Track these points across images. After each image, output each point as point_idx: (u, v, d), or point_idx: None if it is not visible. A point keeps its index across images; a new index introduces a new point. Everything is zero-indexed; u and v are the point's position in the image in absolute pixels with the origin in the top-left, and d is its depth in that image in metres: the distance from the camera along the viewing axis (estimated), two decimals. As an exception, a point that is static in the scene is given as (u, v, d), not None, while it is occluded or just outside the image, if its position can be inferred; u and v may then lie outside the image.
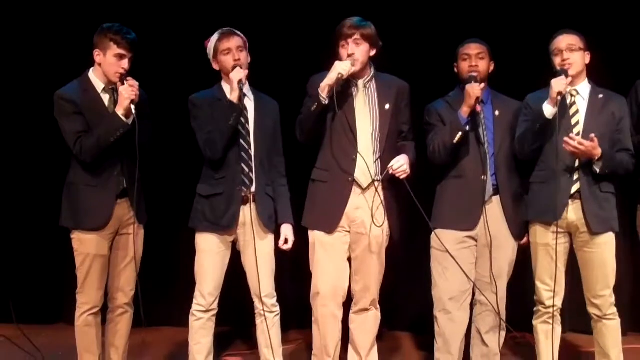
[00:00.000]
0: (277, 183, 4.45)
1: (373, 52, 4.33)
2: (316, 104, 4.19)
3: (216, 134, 4.23)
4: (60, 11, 5.66)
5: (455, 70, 4.51)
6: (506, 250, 4.45)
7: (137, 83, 4.16)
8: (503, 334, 4.53)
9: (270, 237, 4.41)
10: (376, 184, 4.31)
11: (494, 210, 4.40)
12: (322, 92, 4.17)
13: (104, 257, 4.26)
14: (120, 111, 4.11)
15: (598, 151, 4.10)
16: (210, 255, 4.33)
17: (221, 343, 4.57)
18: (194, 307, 4.36)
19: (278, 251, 4.43)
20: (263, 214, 4.35)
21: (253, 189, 4.32)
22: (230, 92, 4.26)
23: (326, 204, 4.34)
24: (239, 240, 4.38)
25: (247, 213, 4.30)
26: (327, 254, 4.35)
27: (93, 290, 4.25)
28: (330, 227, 4.32)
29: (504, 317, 4.49)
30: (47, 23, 5.71)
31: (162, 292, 5.54)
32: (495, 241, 4.38)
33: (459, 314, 4.40)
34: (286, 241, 4.42)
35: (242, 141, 4.31)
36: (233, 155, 4.29)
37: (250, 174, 4.31)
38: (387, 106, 4.34)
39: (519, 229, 4.46)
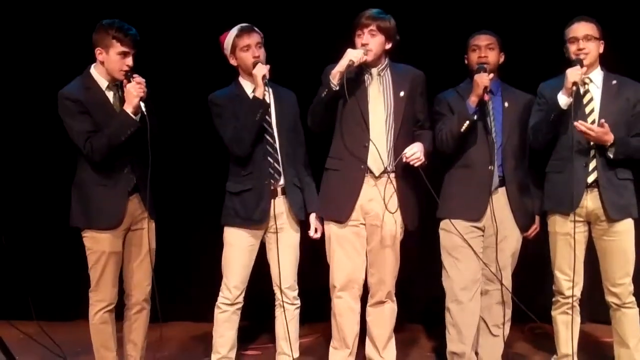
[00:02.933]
0: (302, 174, 4.47)
1: (389, 46, 4.33)
2: (326, 90, 4.20)
3: (243, 130, 4.24)
4: (62, 8, 5.64)
5: (466, 61, 4.50)
6: (511, 241, 4.45)
7: (144, 80, 4.13)
8: (508, 324, 4.54)
9: (299, 229, 4.44)
10: (389, 172, 4.30)
11: (500, 201, 4.40)
12: (332, 78, 4.17)
13: (118, 254, 4.27)
14: (129, 109, 4.09)
15: (610, 137, 4.09)
16: (239, 249, 4.35)
17: (242, 336, 4.56)
18: (220, 299, 4.37)
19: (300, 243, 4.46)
20: (294, 206, 4.38)
21: (282, 181, 4.34)
22: (254, 87, 4.27)
23: (339, 193, 4.35)
24: (267, 233, 4.39)
25: (279, 206, 4.34)
26: (342, 247, 4.35)
27: (108, 288, 4.26)
28: (343, 216, 4.33)
29: (510, 306, 4.49)
30: (48, 20, 5.69)
31: (178, 287, 5.56)
32: (501, 231, 4.38)
33: (471, 304, 4.39)
34: (316, 230, 4.44)
35: (266, 135, 4.32)
36: (259, 150, 4.31)
37: (278, 167, 4.33)
38: (402, 93, 4.34)
39: (525, 220, 4.46)
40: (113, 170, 4.19)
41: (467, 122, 4.26)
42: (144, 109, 4.10)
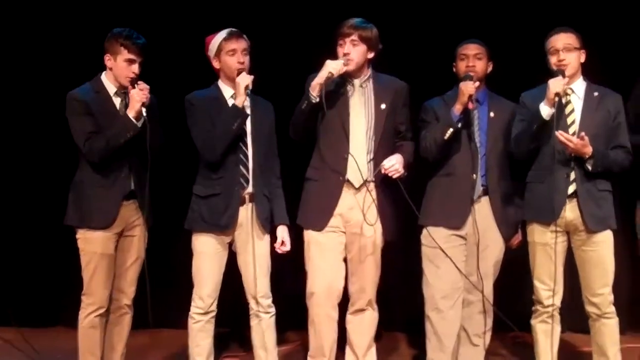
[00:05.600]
0: (272, 184, 4.45)
1: (371, 55, 4.33)
2: (306, 102, 4.20)
3: (217, 137, 4.23)
4: (71, 15, 5.66)
5: (454, 70, 4.52)
6: (493, 250, 4.46)
7: (147, 86, 4.23)
8: (489, 334, 4.55)
9: (267, 238, 4.41)
10: (368, 183, 4.31)
11: (483, 209, 4.41)
12: (312, 90, 4.17)
13: (109, 256, 4.30)
14: (131, 113, 4.18)
15: (588, 149, 4.10)
16: (207, 257, 4.32)
17: (218, 344, 4.55)
18: (193, 309, 4.35)
19: (274, 251, 4.42)
20: (261, 215, 4.34)
21: (251, 189, 4.32)
22: (234, 95, 4.27)
23: (317, 202, 4.35)
24: (235, 241, 4.37)
25: (246, 213, 4.31)
26: (322, 254, 4.35)
27: (99, 290, 4.28)
28: (320, 224, 4.33)
29: (490, 316, 4.49)
30: (57, 26, 5.70)
31: (162, 294, 5.49)
32: (483, 240, 4.39)
33: (452, 313, 4.40)
34: (283, 243, 4.41)
35: (240, 143, 4.31)
36: (231, 157, 4.29)
37: (248, 175, 4.31)
38: (383, 106, 4.34)
39: (508, 230, 4.48)
40: (111, 172, 4.26)
41: (451, 129, 4.27)
42: (145, 114, 4.18)
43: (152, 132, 4.22)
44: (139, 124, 4.19)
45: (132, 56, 4.22)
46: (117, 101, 4.32)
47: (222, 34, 4.30)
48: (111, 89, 4.32)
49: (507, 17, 5.48)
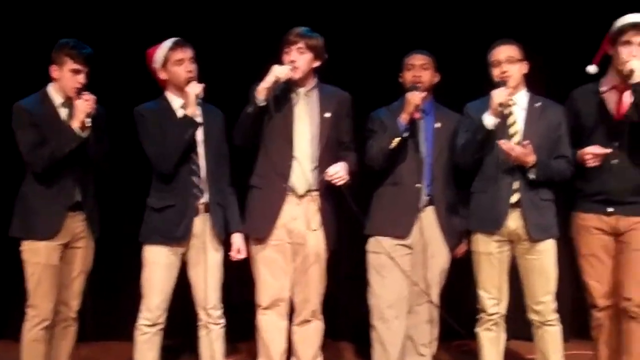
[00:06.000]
0: (225, 192, 4.42)
1: (316, 64, 4.34)
2: (252, 106, 4.19)
3: (169, 148, 4.20)
4: (20, 26, 5.57)
5: (401, 80, 4.56)
6: (439, 259, 4.50)
7: (93, 97, 4.19)
8: (435, 343, 4.59)
9: (221, 248, 4.39)
10: (312, 192, 4.32)
11: (429, 219, 4.45)
12: (258, 94, 4.16)
13: (54, 267, 4.25)
14: (75, 124, 4.14)
15: (531, 158, 4.16)
16: (159, 268, 4.27)
17: (165, 357, 4.50)
18: (140, 321, 4.29)
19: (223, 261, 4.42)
20: (216, 224, 4.32)
21: (205, 199, 4.30)
22: (184, 105, 4.24)
23: (260, 211, 4.34)
24: (189, 252, 4.33)
25: (201, 224, 4.28)
26: (267, 265, 4.34)
27: (44, 302, 4.23)
28: (263, 233, 4.32)
29: (437, 325, 4.53)
30: (6, 37, 5.60)
31: (109, 306, 5.50)
32: (429, 250, 4.42)
33: (397, 322, 4.42)
34: (239, 251, 4.40)
35: (192, 153, 4.28)
36: (184, 168, 4.26)
37: (201, 185, 4.29)
38: (327, 114, 4.35)
39: (453, 239, 4.52)
40: (56, 183, 4.24)
41: (397, 139, 4.30)
42: (88, 124, 4.15)
43: (97, 142, 4.20)
44: (84, 135, 4.16)
45: (77, 66, 4.21)
46: (63, 112, 4.29)
47: (167, 44, 4.27)
48: (57, 99, 4.29)
49: (452, 28, 5.54)
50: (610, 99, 4.25)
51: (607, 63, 4.31)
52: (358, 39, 5.52)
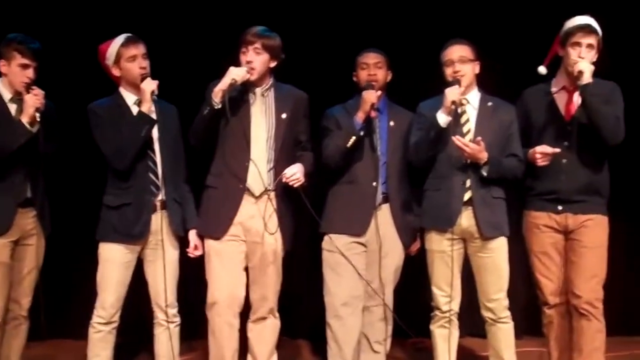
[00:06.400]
0: (182, 189, 4.42)
1: (273, 64, 4.34)
2: (208, 108, 4.18)
3: (125, 145, 4.18)
4: None
5: (355, 79, 4.59)
6: (394, 256, 4.54)
7: (42, 92, 4.17)
8: (389, 340, 4.62)
9: (178, 245, 4.39)
10: (269, 192, 4.32)
11: (384, 217, 4.48)
12: (214, 96, 4.16)
13: (4, 264, 4.21)
14: (24, 119, 4.11)
15: (484, 155, 4.21)
16: (115, 266, 4.26)
17: (119, 355, 4.49)
18: (95, 319, 4.28)
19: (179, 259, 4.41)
20: (173, 221, 4.32)
21: (162, 196, 4.29)
22: (139, 101, 4.22)
23: (216, 210, 4.33)
24: (145, 249, 4.32)
25: (158, 221, 4.27)
26: (222, 263, 4.33)
27: None
28: (219, 232, 4.31)
29: (391, 323, 4.56)
30: None
31: (63, 304, 5.44)
32: (384, 247, 4.45)
33: (352, 320, 4.44)
34: (196, 247, 4.40)
35: (148, 150, 4.26)
36: (140, 165, 4.24)
37: (158, 182, 4.28)
38: (284, 115, 4.36)
39: (407, 237, 4.57)
40: (6, 179, 4.20)
41: (354, 137, 4.32)
42: (37, 119, 4.12)
43: (46, 138, 4.17)
44: (34, 130, 4.13)
45: (25, 61, 4.19)
46: (12, 107, 4.25)
47: (119, 40, 4.26)
48: (6, 95, 4.26)
49: (405, 27, 5.58)
50: (561, 99, 4.34)
51: (558, 63, 4.37)
52: (311, 37, 5.53)
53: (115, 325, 4.30)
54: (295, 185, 4.24)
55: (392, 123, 4.55)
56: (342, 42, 5.42)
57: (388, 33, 5.44)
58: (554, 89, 4.36)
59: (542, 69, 4.38)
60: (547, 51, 4.40)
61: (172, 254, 4.34)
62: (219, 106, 4.17)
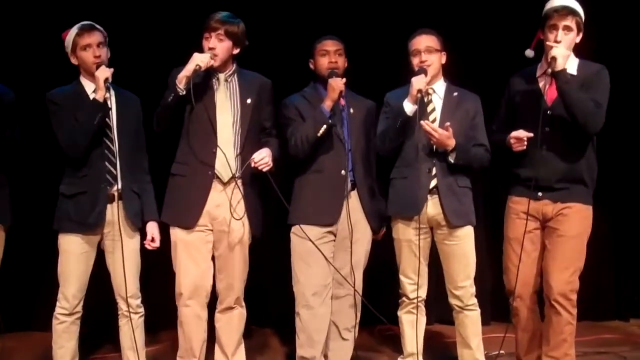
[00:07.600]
0: (141, 180, 4.37)
1: (236, 51, 4.30)
2: (173, 95, 4.14)
3: (79, 133, 4.13)
4: None
5: (311, 66, 4.54)
6: (363, 242, 4.53)
7: None
8: (357, 327, 4.61)
9: (137, 236, 4.34)
10: (237, 179, 4.29)
11: (354, 204, 4.47)
12: (179, 83, 4.12)
13: None
14: None
15: (452, 141, 4.21)
16: (74, 256, 4.22)
17: (84, 346, 4.46)
18: (57, 310, 4.25)
19: (143, 249, 4.36)
20: (130, 212, 4.27)
21: (118, 186, 4.24)
22: (95, 90, 4.16)
23: (186, 199, 4.29)
24: (104, 240, 4.28)
25: (114, 211, 4.22)
26: (189, 253, 4.30)
27: None
28: (189, 221, 4.27)
29: (359, 310, 4.55)
30: None
31: (25, 296, 5.42)
32: (355, 234, 4.45)
33: (322, 309, 4.43)
34: (153, 239, 4.35)
35: (105, 139, 4.21)
36: (96, 153, 4.19)
37: (115, 171, 4.22)
38: (249, 100, 4.33)
39: (376, 222, 4.55)
40: None
41: (325, 126, 4.30)
42: None
43: (4, 128, 4.09)
44: None
45: None
46: None
47: (74, 29, 4.21)
48: None
49: (368, 16, 5.55)
50: (544, 84, 4.20)
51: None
52: (266, 23, 5.46)
53: (78, 315, 4.27)
54: (264, 170, 4.22)
55: (352, 110, 4.52)
56: (298, 30, 5.41)
57: (347, 22, 5.42)
58: (538, 73, 4.26)
59: (529, 52, 4.28)
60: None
61: (131, 244, 4.30)
62: (184, 92, 4.12)
